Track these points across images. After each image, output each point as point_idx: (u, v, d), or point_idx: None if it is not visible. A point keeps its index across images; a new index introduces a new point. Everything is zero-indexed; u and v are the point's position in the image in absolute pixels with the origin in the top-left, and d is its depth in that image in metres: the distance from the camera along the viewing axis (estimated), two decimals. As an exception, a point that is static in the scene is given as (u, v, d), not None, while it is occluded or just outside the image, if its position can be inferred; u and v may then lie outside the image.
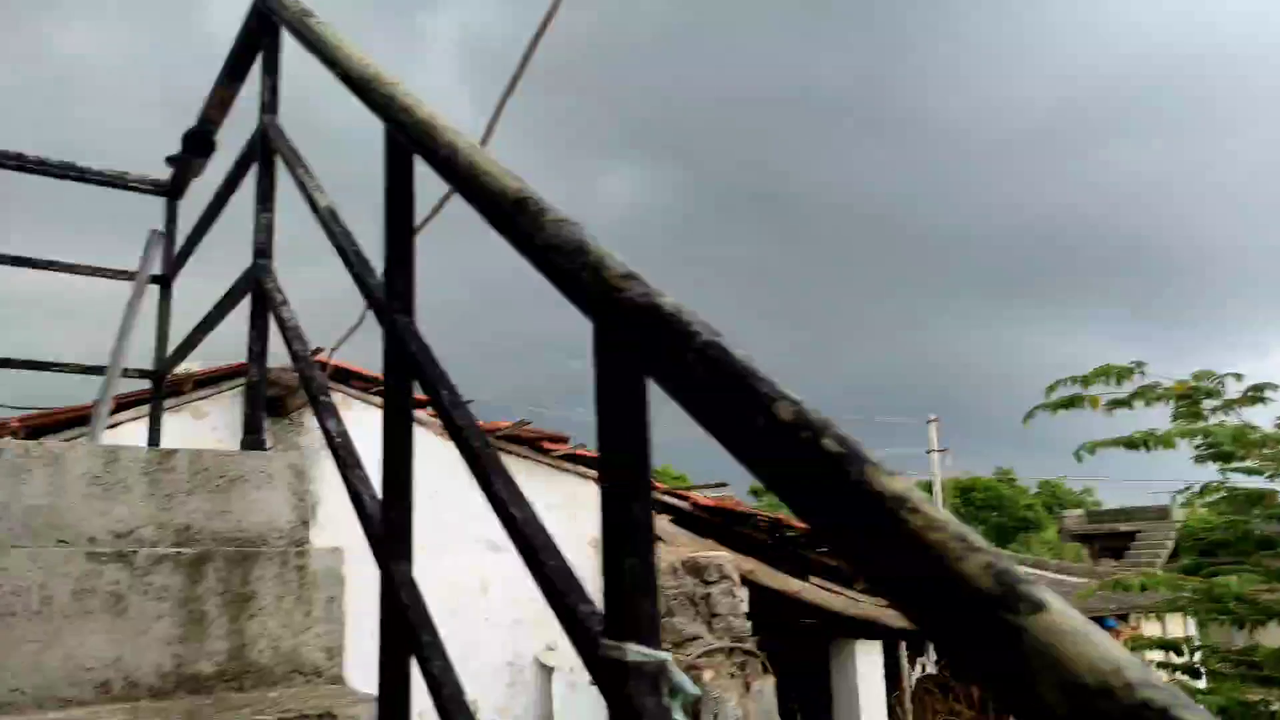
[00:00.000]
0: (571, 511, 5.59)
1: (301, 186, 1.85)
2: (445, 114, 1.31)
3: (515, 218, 0.87)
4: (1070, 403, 7.33)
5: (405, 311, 1.24)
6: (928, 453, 31.75)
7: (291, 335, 1.85)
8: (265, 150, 2.06)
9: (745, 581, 5.40)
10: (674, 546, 5.49)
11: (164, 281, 3.04)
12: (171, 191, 3.06)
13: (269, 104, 2.08)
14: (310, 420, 4.69)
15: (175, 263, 2.97)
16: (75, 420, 4.18)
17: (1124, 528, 24.36)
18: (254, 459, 1.89)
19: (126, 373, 2.93)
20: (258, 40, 2.21)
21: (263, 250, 2.05)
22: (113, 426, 4.29)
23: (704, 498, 7.11)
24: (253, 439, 1.99)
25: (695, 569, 5.20)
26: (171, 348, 2.95)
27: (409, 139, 1.27)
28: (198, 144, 2.71)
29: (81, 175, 2.96)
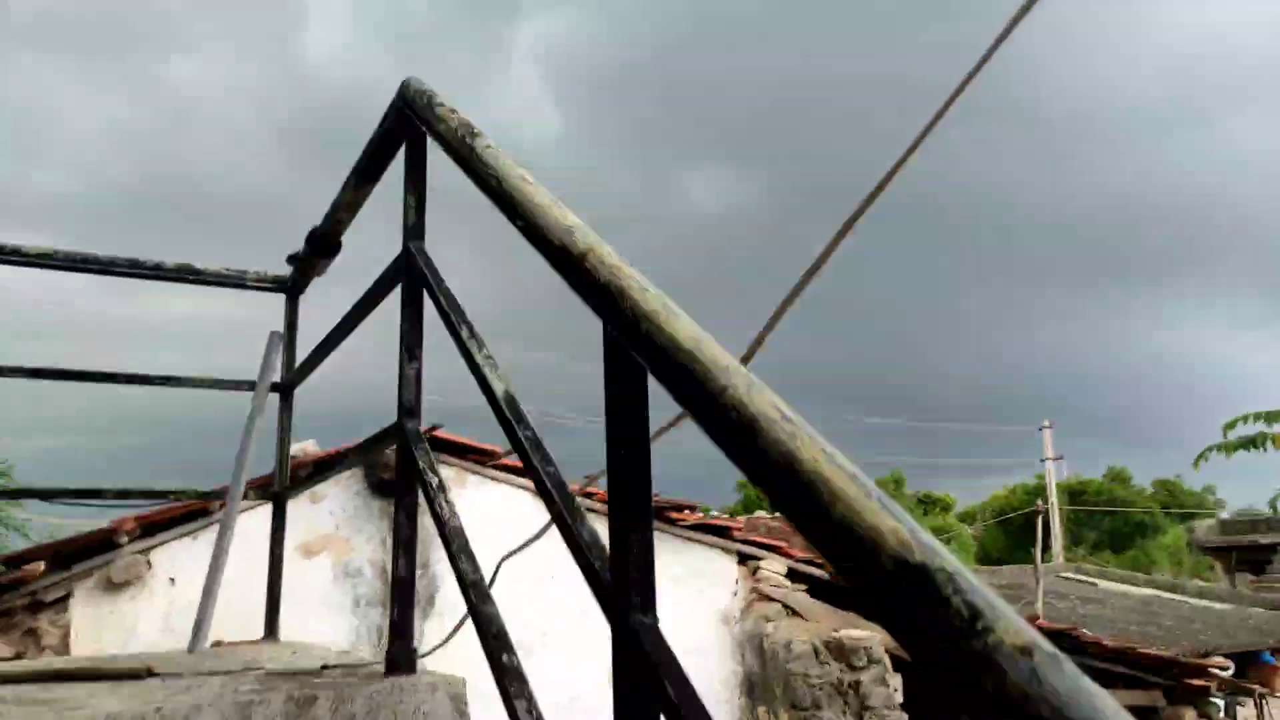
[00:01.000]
0: (699, 585, 5.19)
1: (456, 336, 1.50)
2: (677, 308, 0.93)
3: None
4: (1252, 443, 6.54)
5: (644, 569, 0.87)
6: (1042, 460, 30.31)
7: (452, 534, 1.49)
8: (411, 285, 1.71)
9: (898, 665, 4.87)
10: (812, 622, 5.00)
11: (285, 390, 2.75)
12: (292, 289, 2.78)
13: (414, 228, 1.73)
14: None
15: (298, 371, 2.68)
16: (191, 514, 4.01)
17: (1265, 540, 22.55)
18: (409, 695, 1.53)
19: (246, 494, 2.64)
20: (397, 144, 1.87)
21: (410, 409, 1.71)
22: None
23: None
24: (403, 649, 1.63)
25: (841, 652, 4.70)
26: (296, 530, 2.66)
27: (643, 351, 0.89)
28: (323, 245, 2.41)
29: (199, 277, 2.70)
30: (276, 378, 2.76)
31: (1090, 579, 15.65)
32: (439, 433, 4.44)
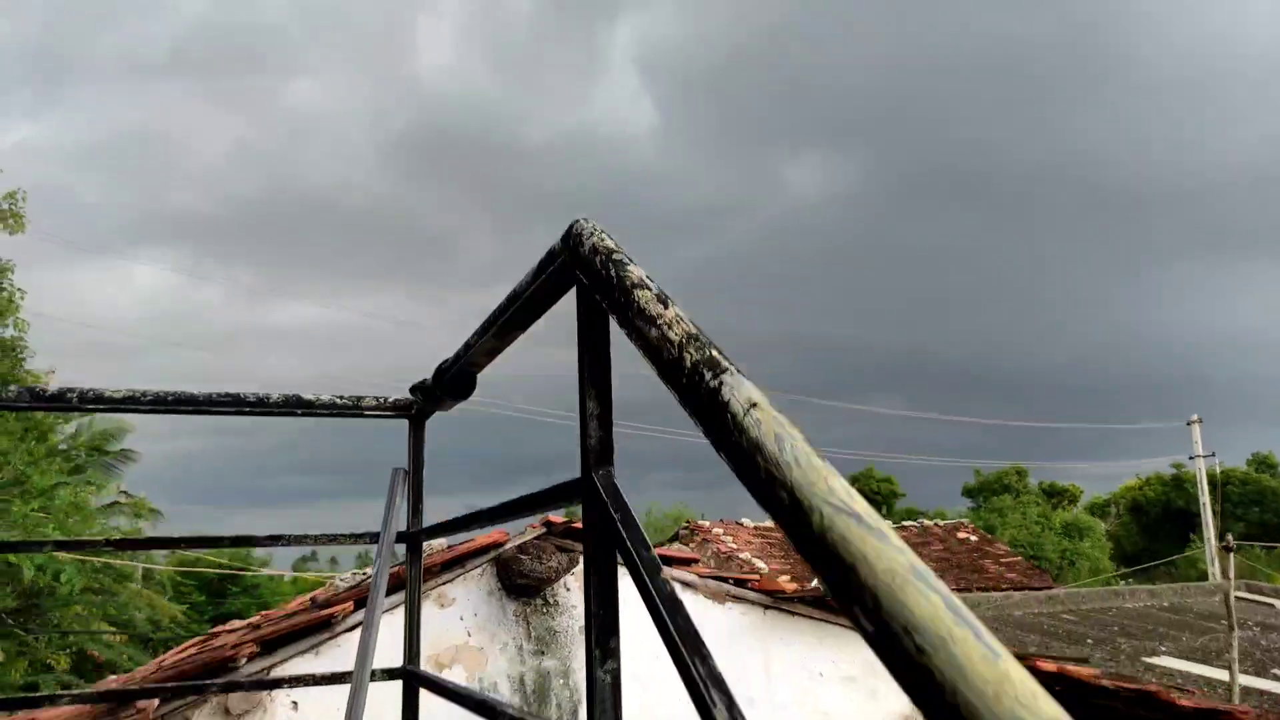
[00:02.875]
0: (872, 685, 4.55)
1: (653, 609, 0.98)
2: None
3: None
4: None
5: None
6: (1191, 458, 28.12)
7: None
8: (601, 535, 1.17)
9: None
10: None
11: (412, 541, 2.27)
12: (416, 416, 2.30)
13: (600, 451, 1.18)
14: (568, 598, 3.94)
15: (431, 528, 2.19)
16: (312, 628, 3.65)
17: None
18: None
19: (374, 675, 2.17)
20: (557, 295, 1.35)
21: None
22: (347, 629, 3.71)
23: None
24: None
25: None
26: (424, 639, 2.18)
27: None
28: (454, 386, 1.91)
29: (309, 409, 2.24)
30: (402, 525, 2.29)
31: (1267, 599, 14.14)
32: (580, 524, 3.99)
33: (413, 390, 2.17)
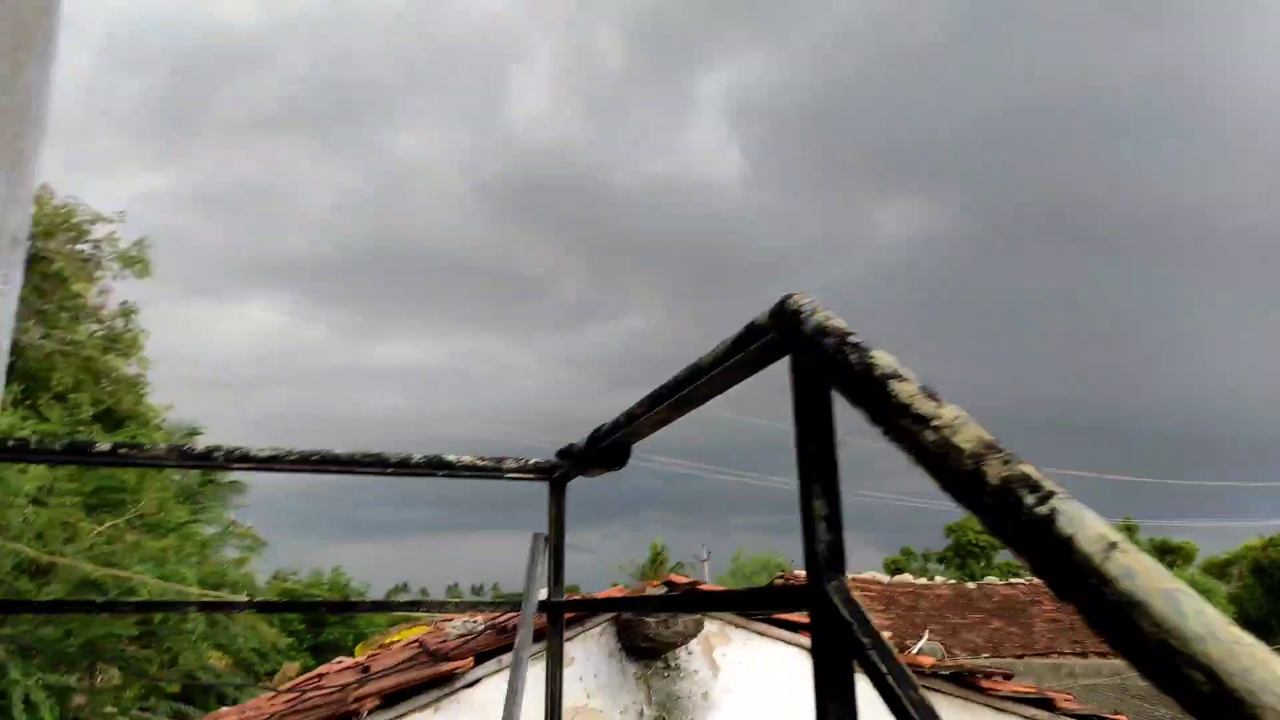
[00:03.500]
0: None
1: None
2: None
3: None
4: None
5: None
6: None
7: None
8: (837, 652, 1.03)
9: None
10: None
11: (554, 612, 2.17)
12: (559, 479, 2.21)
13: (829, 558, 1.05)
14: (689, 662, 3.78)
15: (571, 605, 2.08)
16: (432, 683, 3.58)
17: None
18: None
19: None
20: (748, 372, 1.23)
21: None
22: (469, 685, 3.63)
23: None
24: None
25: None
26: (568, 715, 2.05)
27: None
28: (612, 455, 1.81)
29: (451, 471, 2.18)
30: (544, 593, 2.19)
31: None
32: (704, 586, 3.83)
33: (561, 454, 2.08)
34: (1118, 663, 16.23)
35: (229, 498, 30.00)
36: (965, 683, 4.02)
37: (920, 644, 11.16)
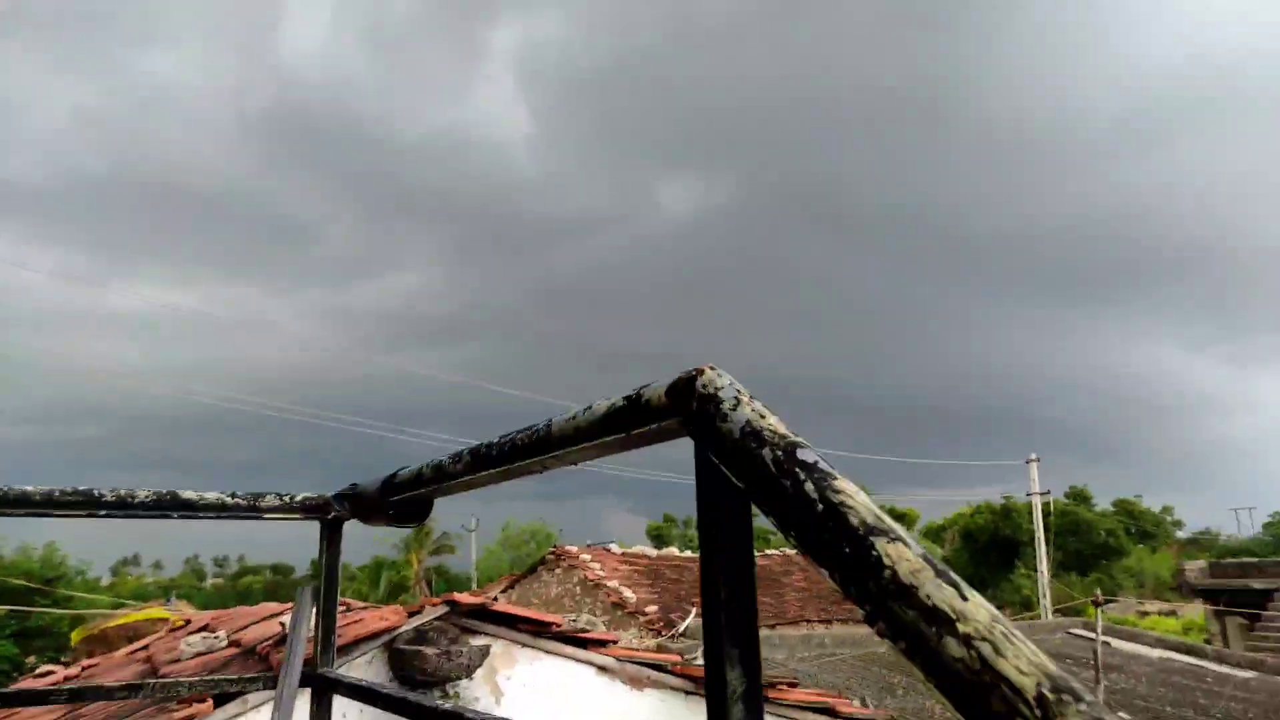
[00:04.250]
0: None
1: None
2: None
3: None
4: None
5: None
6: (1028, 495, 29.88)
7: None
8: None
9: None
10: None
11: (319, 687, 1.75)
12: (333, 521, 1.79)
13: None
14: (470, 689, 3.39)
15: (344, 685, 1.67)
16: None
17: (1258, 584, 22.07)
18: None
19: None
20: (619, 448, 0.93)
21: None
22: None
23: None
24: None
25: None
26: None
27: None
28: (412, 509, 1.45)
29: (191, 510, 1.71)
30: (306, 656, 1.77)
31: (1104, 637, 14.96)
32: (494, 605, 3.44)
33: (340, 497, 1.66)
34: (861, 630, 17.62)
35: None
36: (662, 669, 4.00)
37: (688, 621, 11.46)
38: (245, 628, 4.77)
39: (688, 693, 3.76)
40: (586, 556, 17.25)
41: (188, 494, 1.69)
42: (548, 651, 3.64)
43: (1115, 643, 14.72)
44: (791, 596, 18.27)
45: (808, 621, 17.03)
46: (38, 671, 6.82)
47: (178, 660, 4.44)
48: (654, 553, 19.08)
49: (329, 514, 1.77)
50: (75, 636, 28.89)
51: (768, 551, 21.20)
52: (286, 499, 1.78)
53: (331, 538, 1.80)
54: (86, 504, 1.61)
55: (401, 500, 1.45)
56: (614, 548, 18.96)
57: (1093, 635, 15.16)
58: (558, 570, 17.32)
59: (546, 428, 1.02)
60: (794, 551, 21.90)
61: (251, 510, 1.75)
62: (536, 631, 3.64)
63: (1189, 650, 14.60)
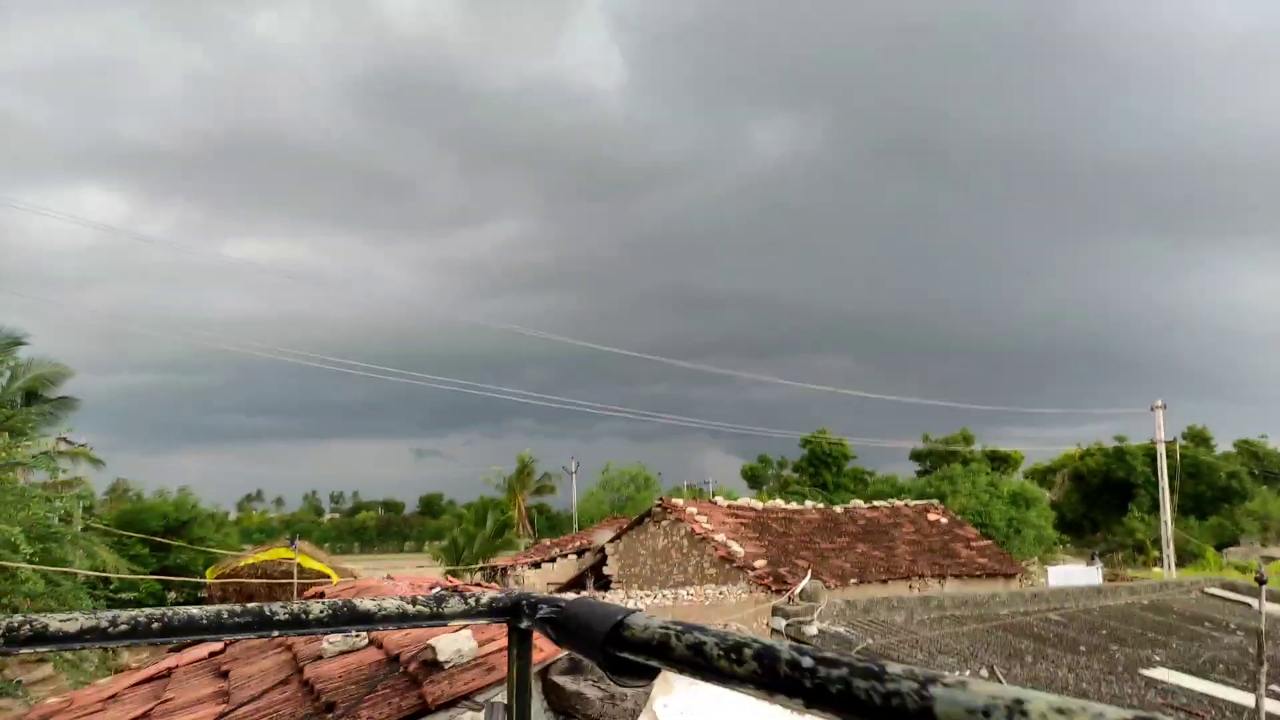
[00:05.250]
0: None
1: None
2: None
3: None
4: None
5: None
6: (1152, 442, 28.44)
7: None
8: None
9: None
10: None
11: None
12: (524, 631, 1.57)
13: None
14: None
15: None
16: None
17: None
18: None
19: None
20: None
21: None
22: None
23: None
24: None
25: None
26: None
27: None
28: (637, 670, 1.20)
29: (369, 621, 1.51)
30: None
31: (1242, 598, 14.12)
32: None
33: (537, 611, 1.44)
34: (978, 587, 17.08)
35: (59, 414, 27.36)
36: None
37: (802, 584, 11.24)
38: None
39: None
40: (693, 509, 17.21)
41: (365, 605, 1.49)
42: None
43: (1255, 603, 13.85)
44: (902, 549, 17.84)
45: (920, 576, 16.64)
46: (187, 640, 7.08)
47: (320, 658, 4.43)
48: (759, 505, 18.91)
49: (520, 622, 1.55)
50: (210, 574, 30.71)
51: (875, 503, 20.75)
52: (472, 602, 1.57)
53: (520, 650, 1.58)
54: (259, 624, 1.43)
55: (628, 661, 1.20)
56: (720, 500, 18.87)
57: (1233, 597, 14.33)
58: (664, 522, 17.34)
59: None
60: (902, 503, 21.37)
61: (434, 617, 1.55)
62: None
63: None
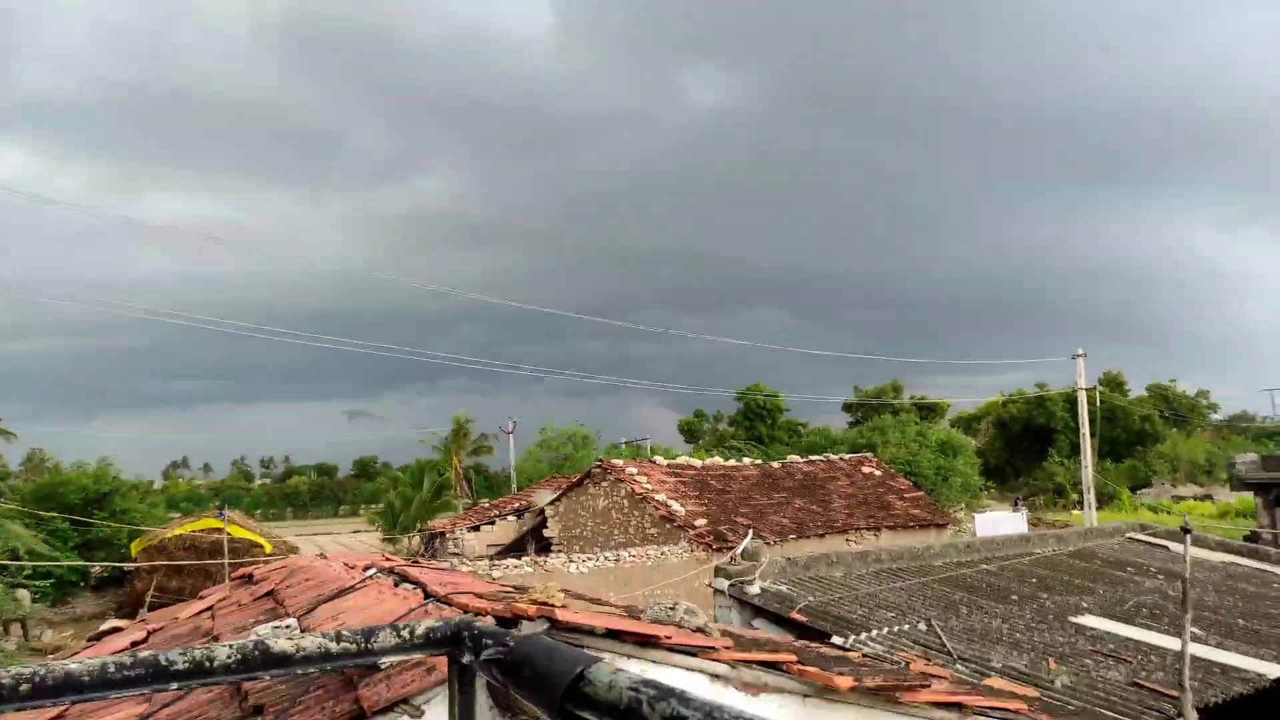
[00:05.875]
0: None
1: None
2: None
3: None
4: None
5: None
6: (1073, 389, 29.42)
7: None
8: None
9: None
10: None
11: None
12: (467, 668, 1.40)
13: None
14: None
15: None
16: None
17: (1312, 479, 21.65)
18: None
19: None
20: None
21: None
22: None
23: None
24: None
25: None
26: None
27: None
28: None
29: (287, 663, 1.31)
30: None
31: (1160, 541, 14.73)
32: (599, 622, 3.06)
33: (481, 642, 1.25)
34: (913, 538, 17.44)
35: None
36: (888, 698, 3.64)
37: (743, 544, 11.28)
38: (313, 610, 4.51)
39: (805, 695, 3.47)
40: (633, 469, 17.17)
41: (280, 646, 1.29)
42: (656, 662, 3.35)
43: (1174, 546, 14.47)
44: (838, 503, 18.14)
45: (855, 529, 16.96)
46: (105, 626, 6.72)
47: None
48: (699, 463, 18.98)
49: (462, 655, 1.37)
50: (135, 548, 29.62)
51: (811, 457, 21.05)
52: (406, 634, 1.38)
53: (463, 681, 1.40)
54: (154, 677, 1.22)
55: None
56: (659, 459, 18.88)
57: (1153, 541, 14.94)
58: (604, 483, 17.28)
59: None
60: (837, 457, 21.63)
61: (362, 654, 1.36)
62: (643, 642, 3.33)
63: (1253, 554, 14.32)
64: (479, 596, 4.02)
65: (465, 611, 3.32)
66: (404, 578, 4.64)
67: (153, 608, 26.06)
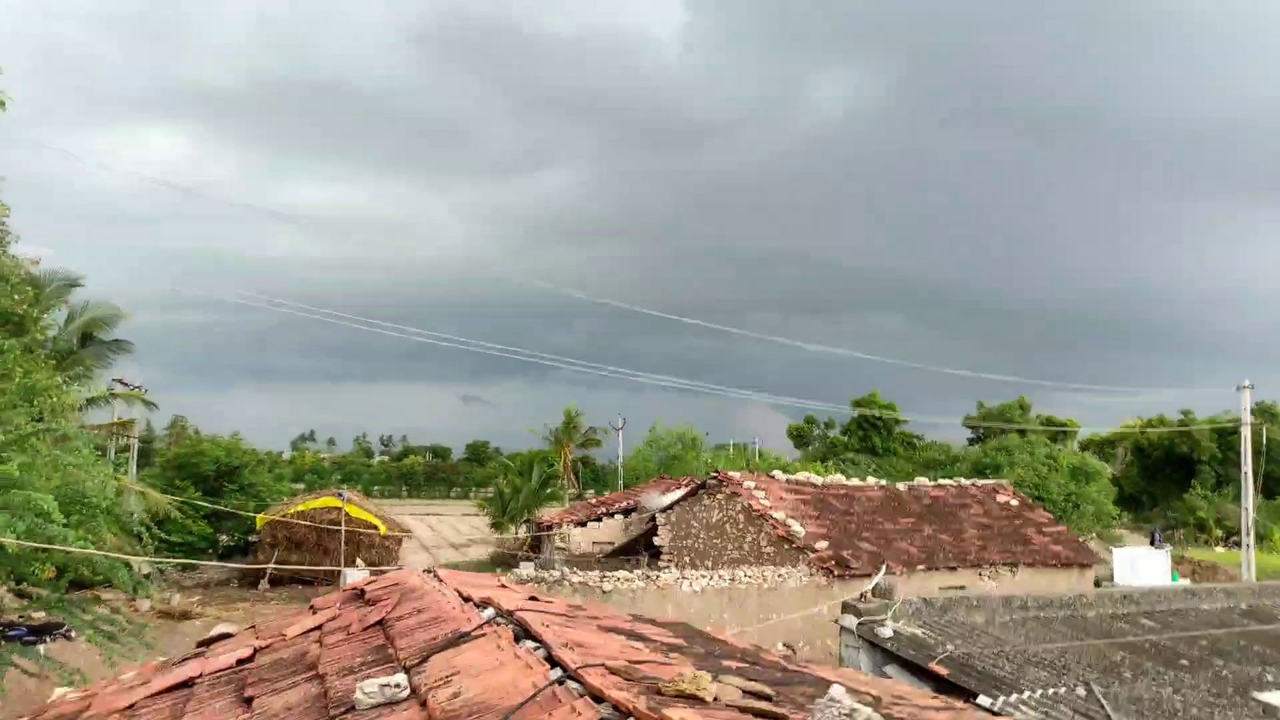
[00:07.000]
0: None
1: None
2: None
3: None
4: None
5: None
6: (1234, 421, 26.91)
7: None
8: None
9: None
10: None
11: None
12: None
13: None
14: None
15: None
16: None
17: None
18: None
19: None
20: None
21: None
22: None
23: None
24: None
25: None
26: None
27: None
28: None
29: None
30: None
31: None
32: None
33: None
34: (1055, 577, 16.03)
35: (110, 357, 27.38)
36: None
37: (876, 579, 10.42)
38: (425, 661, 4.06)
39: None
40: (750, 483, 16.40)
41: None
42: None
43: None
44: (971, 533, 16.86)
45: (990, 564, 15.70)
46: (215, 631, 6.54)
47: (352, 709, 3.74)
48: (819, 480, 18.01)
49: None
50: (260, 521, 30.76)
51: (941, 481, 19.71)
52: None
53: None
54: None
55: None
56: (778, 474, 18.04)
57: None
58: (719, 496, 16.59)
59: None
60: (969, 482, 20.28)
61: None
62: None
63: None
64: (612, 673, 3.44)
65: (599, 700, 2.78)
66: (524, 629, 4.17)
67: (273, 581, 27.06)
